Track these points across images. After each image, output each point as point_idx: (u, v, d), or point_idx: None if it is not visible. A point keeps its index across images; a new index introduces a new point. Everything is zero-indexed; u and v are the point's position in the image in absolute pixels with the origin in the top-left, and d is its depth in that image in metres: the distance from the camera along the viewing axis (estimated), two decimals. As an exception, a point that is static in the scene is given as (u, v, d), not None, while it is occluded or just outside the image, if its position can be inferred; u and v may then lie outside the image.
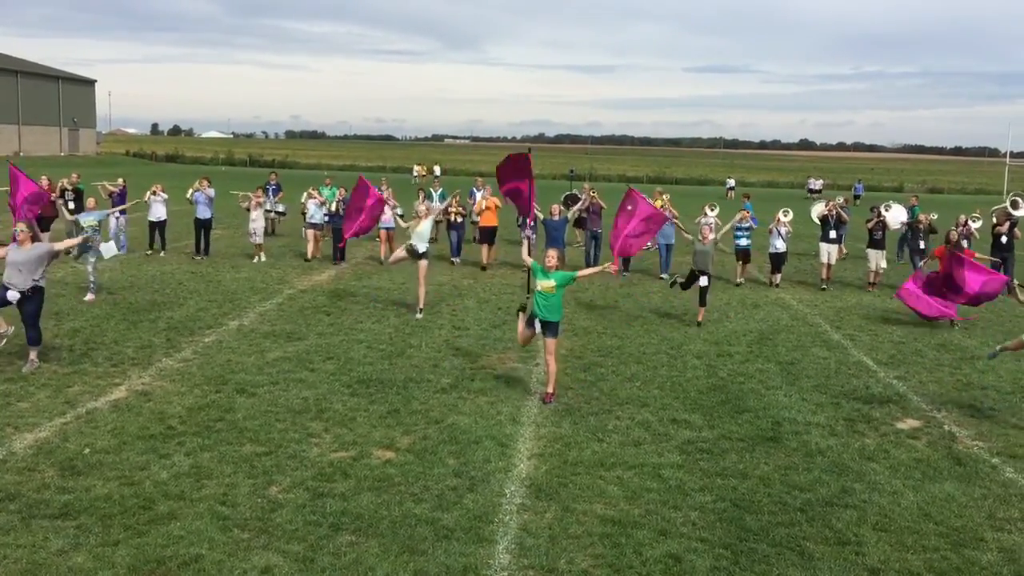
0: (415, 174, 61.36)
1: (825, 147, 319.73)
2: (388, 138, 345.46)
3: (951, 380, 11.64)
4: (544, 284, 9.81)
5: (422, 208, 20.20)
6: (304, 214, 21.56)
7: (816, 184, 63.48)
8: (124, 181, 21.11)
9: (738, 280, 19.11)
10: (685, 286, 15.00)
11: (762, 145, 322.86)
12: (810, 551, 6.50)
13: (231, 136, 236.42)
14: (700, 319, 14.53)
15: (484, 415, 9.32)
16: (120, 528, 6.41)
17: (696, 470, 8.04)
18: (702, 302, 14.60)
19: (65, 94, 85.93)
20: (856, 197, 56.08)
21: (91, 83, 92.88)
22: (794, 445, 8.83)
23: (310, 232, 20.40)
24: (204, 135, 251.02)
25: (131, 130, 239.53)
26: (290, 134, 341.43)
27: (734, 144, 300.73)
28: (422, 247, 14.15)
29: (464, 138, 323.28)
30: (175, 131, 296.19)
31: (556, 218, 17.64)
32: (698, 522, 6.92)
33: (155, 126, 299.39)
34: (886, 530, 6.92)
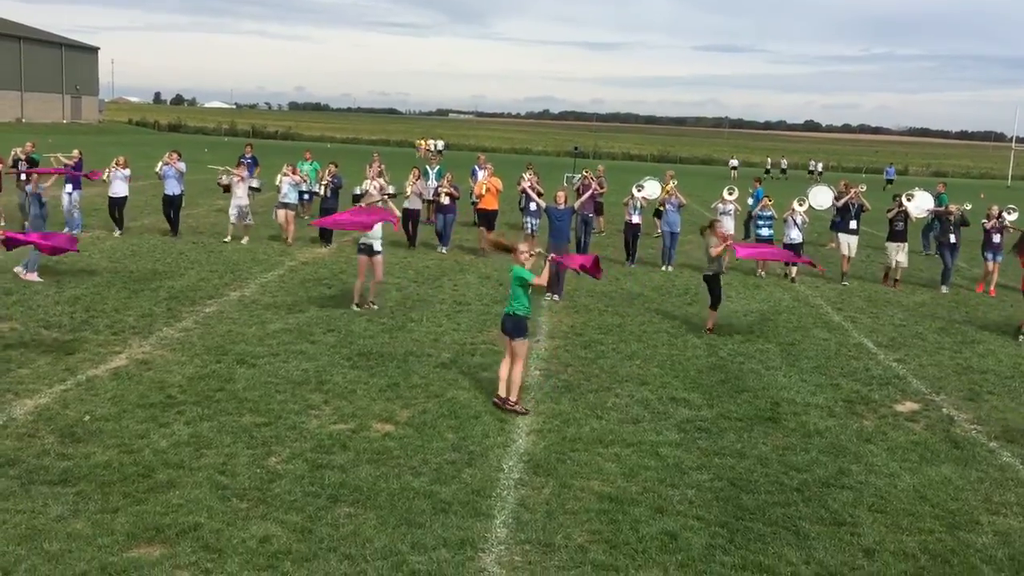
0: (432, 148, 60.01)
1: (831, 129, 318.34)
2: (392, 111, 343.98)
3: (951, 363, 11.65)
4: (537, 280, 8.79)
5: (410, 188, 19.65)
6: (279, 191, 19.49)
7: (816, 166, 63.16)
8: (80, 153, 19.44)
9: (759, 273, 17.98)
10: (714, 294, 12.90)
11: (767, 126, 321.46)
12: (806, 531, 6.53)
13: (234, 107, 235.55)
14: (710, 326, 12.66)
15: (484, 390, 9.33)
16: (119, 495, 6.44)
17: (694, 449, 8.06)
18: (714, 305, 12.74)
19: (68, 61, 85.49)
20: (889, 182, 54.48)
21: (94, 51, 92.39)
22: (792, 426, 8.85)
23: (280, 212, 18.69)
24: (207, 105, 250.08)
25: (133, 99, 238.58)
26: (293, 105, 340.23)
27: (739, 124, 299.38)
28: (377, 244, 12.78)
29: (469, 113, 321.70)
30: (178, 100, 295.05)
31: (561, 207, 15.49)
32: (695, 500, 6.95)
33: (157, 95, 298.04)
34: (882, 511, 6.95)
